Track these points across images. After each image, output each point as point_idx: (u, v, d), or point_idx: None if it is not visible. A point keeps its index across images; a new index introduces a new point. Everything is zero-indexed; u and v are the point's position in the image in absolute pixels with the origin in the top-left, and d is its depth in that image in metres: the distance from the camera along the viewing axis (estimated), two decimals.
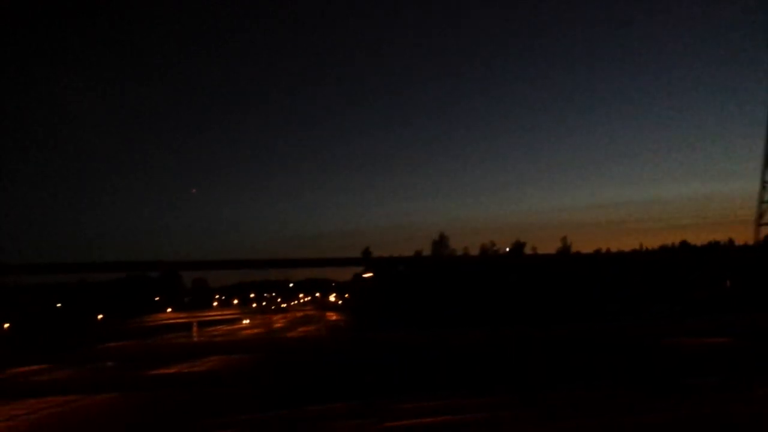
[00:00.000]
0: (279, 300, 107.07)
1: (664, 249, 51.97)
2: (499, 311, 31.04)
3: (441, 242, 51.03)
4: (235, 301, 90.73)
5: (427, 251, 50.60)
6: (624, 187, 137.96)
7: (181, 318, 58.08)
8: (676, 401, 4.54)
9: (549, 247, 59.58)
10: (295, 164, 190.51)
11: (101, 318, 58.26)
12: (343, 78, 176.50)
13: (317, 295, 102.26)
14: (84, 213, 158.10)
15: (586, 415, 4.29)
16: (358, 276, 52.80)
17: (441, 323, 28.92)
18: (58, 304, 56.71)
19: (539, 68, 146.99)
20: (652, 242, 77.54)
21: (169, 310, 65.67)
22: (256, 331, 59.20)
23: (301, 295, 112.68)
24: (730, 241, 55.38)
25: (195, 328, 54.46)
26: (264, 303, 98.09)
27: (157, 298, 69.18)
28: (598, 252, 40.34)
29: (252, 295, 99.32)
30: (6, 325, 44.18)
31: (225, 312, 73.87)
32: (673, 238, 75.55)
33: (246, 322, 69.16)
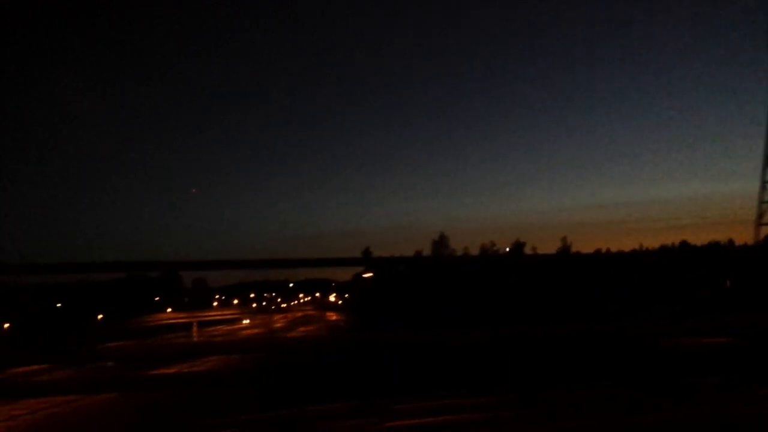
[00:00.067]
0: (279, 300, 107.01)
1: (664, 249, 51.98)
2: (500, 311, 31.03)
3: (441, 242, 51.02)
4: (235, 301, 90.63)
5: (427, 251, 50.59)
6: (624, 187, 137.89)
7: (181, 318, 58.03)
8: (676, 401, 4.54)
9: (549, 247, 59.57)
10: (295, 164, 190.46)
11: (101, 318, 58.24)
12: (343, 78, 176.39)
13: (317, 295, 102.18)
14: (84, 213, 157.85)
15: (586, 415, 4.29)
16: (358, 276, 52.79)
17: (441, 323, 28.93)
18: (58, 304, 56.65)
19: (539, 68, 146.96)
20: (652, 242, 77.45)
21: (169, 310, 65.60)
22: (255, 331, 59.15)
23: (301, 295, 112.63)
24: (730, 242, 55.43)
25: (195, 328, 54.42)
26: (264, 303, 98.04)
27: (157, 298, 69.10)
28: (598, 252, 40.33)
29: (252, 295, 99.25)
30: (6, 325, 44.16)
31: (225, 312, 73.83)
32: (672, 239, 75.61)
33: (246, 322, 69.09)
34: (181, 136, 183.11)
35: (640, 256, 18.35)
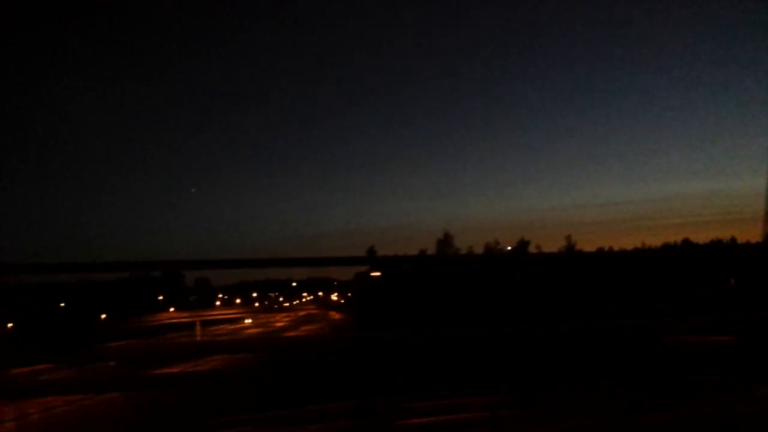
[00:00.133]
0: (281, 299, 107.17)
1: (666, 247, 51.97)
2: (504, 310, 31.07)
3: (446, 241, 51.16)
4: (238, 301, 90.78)
5: (431, 250, 50.68)
6: (626, 185, 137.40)
7: (184, 317, 58.15)
8: (678, 400, 4.52)
9: (553, 245, 59.62)
10: (296, 164, 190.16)
11: (104, 317, 58.39)
12: (343, 78, 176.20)
13: (320, 294, 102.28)
14: (84, 213, 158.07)
15: (586, 415, 4.28)
16: (361, 275, 52.87)
17: (445, 322, 28.96)
18: (62, 304, 56.81)
19: (539, 68, 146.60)
20: (655, 241, 77.31)
21: (171, 309, 65.74)
22: (258, 330, 59.23)
23: (304, 294, 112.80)
24: (733, 239, 55.42)
25: (198, 328, 54.53)
26: (266, 302, 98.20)
27: (160, 298, 69.26)
28: (600, 250, 40.34)
29: (254, 295, 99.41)
30: (9, 325, 44.27)
31: (227, 311, 73.98)
32: (675, 237, 75.58)
33: (248, 321, 69.19)
34: (181, 136, 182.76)
35: (642, 254, 18.28)
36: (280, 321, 73.18)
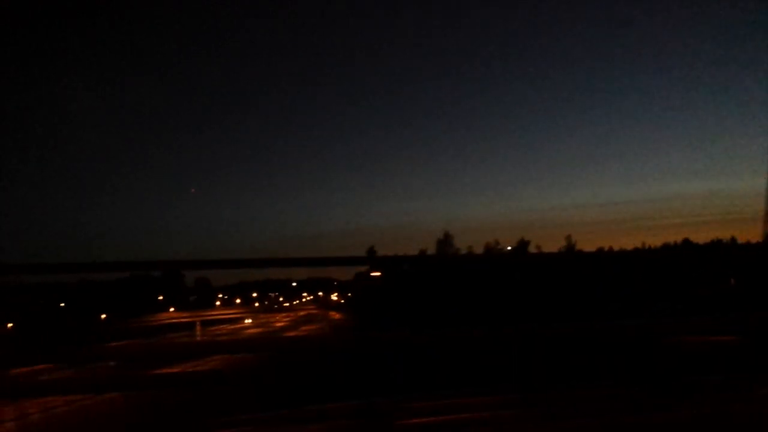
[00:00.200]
0: (281, 299, 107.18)
1: (666, 247, 52.01)
2: (504, 309, 31.08)
3: (446, 241, 51.20)
4: (238, 301, 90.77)
5: (431, 250, 50.71)
6: (626, 185, 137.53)
7: (184, 317, 58.15)
8: (678, 400, 4.52)
9: (554, 245, 59.66)
10: (296, 164, 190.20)
11: (104, 317, 58.40)
12: (343, 78, 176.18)
13: (320, 294, 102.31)
14: (84, 213, 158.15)
15: (587, 415, 4.27)
16: (361, 275, 52.88)
17: (445, 322, 28.97)
18: (62, 304, 56.83)
19: (540, 68, 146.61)
20: (655, 240, 77.37)
21: (171, 309, 65.73)
22: (258, 330, 59.23)
23: (304, 294, 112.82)
24: (733, 239, 55.49)
25: (198, 328, 54.53)
26: (266, 302, 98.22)
27: (160, 298, 69.26)
28: (600, 250, 40.36)
29: (254, 295, 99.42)
30: (9, 325, 44.28)
31: (228, 311, 73.97)
32: (675, 237, 75.66)
33: (248, 321, 69.18)
34: (181, 136, 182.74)
35: (642, 254, 18.30)
36: (280, 321, 73.19)
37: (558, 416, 4.28)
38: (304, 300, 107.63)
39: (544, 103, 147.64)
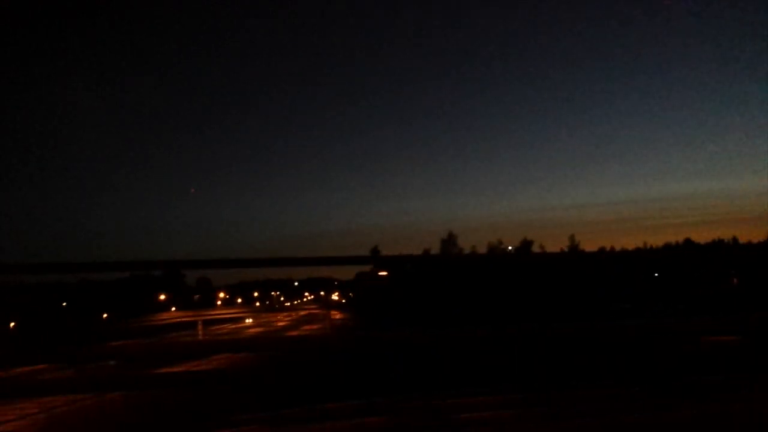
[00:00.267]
0: (282, 299, 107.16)
1: (668, 247, 51.95)
2: (507, 309, 31.06)
3: (450, 241, 51.12)
4: (239, 300, 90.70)
5: (435, 250, 50.61)
6: (629, 185, 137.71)
7: (186, 317, 58.07)
8: (679, 400, 4.52)
9: (557, 245, 59.62)
10: (298, 164, 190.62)
11: (106, 317, 58.42)
12: (343, 78, 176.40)
13: (321, 293, 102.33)
14: (84, 213, 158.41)
15: (587, 415, 4.27)
16: (362, 275, 52.85)
17: (449, 321, 28.95)
18: (63, 303, 56.86)
19: (540, 68, 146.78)
20: (657, 240, 77.29)
21: (173, 309, 65.67)
22: (259, 330, 59.17)
23: (305, 294, 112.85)
24: (734, 239, 55.48)
25: (200, 327, 54.45)
26: (268, 302, 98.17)
27: (162, 297, 69.21)
28: (602, 250, 40.34)
29: (256, 294, 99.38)
30: (12, 324, 44.32)
31: (229, 311, 73.88)
32: (677, 237, 75.62)
33: (249, 321, 69.06)
34: (181, 136, 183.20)
35: (644, 254, 18.30)
36: (282, 321, 73.17)
37: (558, 416, 4.28)
38: (305, 299, 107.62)
39: (544, 103, 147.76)
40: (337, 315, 63.54)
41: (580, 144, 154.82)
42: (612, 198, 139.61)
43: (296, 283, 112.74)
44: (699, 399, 4.56)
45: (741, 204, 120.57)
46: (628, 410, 4.44)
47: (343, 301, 79.83)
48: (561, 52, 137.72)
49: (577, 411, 4.44)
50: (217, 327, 61.31)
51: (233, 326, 63.96)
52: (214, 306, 79.55)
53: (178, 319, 55.94)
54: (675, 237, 76.71)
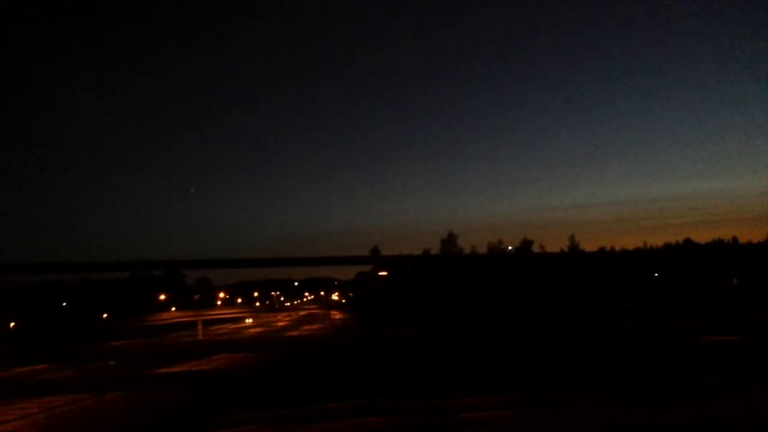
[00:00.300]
0: (282, 299, 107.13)
1: (668, 247, 51.95)
2: (507, 309, 31.05)
3: (450, 240, 51.10)
4: (239, 300, 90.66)
5: (435, 250, 50.57)
6: (629, 185, 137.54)
7: (186, 317, 58.03)
8: (679, 400, 4.51)
9: (557, 245, 59.61)
10: (295, 164, 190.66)
11: (106, 317, 58.41)
12: (343, 78, 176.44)
13: (321, 293, 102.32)
14: (84, 213, 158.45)
15: (587, 415, 4.27)
16: (362, 275, 52.84)
17: (450, 321, 28.96)
18: (63, 303, 56.81)
19: (540, 68, 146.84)
20: (657, 240, 77.25)
21: (173, 309, 65.64)
22: (259, 330, 59.15)
23: (305, 294, 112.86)
24: (734, 239, 55.48)
25: (200, 327, 54.42)
26: (267, 302, 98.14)
27: (162, 297, 69.17)
28: (602, 250, 40.32)
29: (256, 294, 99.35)
30: (12, 324, 44.31)
31: (229, 311, 73.84)
32: (677, 237, 75.63)
33: (249, 320, 69.00)
34: (181, 136, 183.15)
35: (644, 254, 18.30)
36: (282, 321, 73.14)
37: (558, 416, 4.28)
38: (305, 299, 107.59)
39: (544, 103, 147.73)
40: (337, 315, 63.53)
41: (580, 144, 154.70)
42: (612, 198, 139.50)
43: (296, 283, 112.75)
44: (699, 399, 4.56)
45: (741, 204, 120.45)
46: (628, 410, 4.45)
47: (343, 301, 79.79)
48: (561, 52, 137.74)
49: (577, 411, 4.44)
50: (217, 327, 61.28)
51: (233, 326, 63.92)
52: (214, 306, 79.52)
53: (178, 319, 55.92)
54: (675, 237, 76.74)
